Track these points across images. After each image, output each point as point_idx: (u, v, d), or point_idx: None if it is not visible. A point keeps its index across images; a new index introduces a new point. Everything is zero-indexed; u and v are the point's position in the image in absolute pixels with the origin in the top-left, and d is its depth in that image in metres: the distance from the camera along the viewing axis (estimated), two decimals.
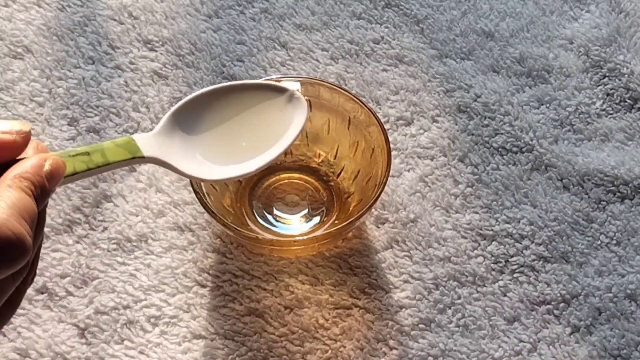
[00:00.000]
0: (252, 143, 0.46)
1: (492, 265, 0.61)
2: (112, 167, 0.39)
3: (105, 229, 0.61)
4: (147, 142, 0.41)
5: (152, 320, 0.58)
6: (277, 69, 0.70)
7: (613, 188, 0.64)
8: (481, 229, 0.62)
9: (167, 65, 0.69)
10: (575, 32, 0.73)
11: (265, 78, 0.62)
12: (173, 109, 0.44)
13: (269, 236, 0.60)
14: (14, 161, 0.36)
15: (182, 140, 0.43)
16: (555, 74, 0.70)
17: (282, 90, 0.47)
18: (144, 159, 0.41)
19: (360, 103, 0.59)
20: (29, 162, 0.35)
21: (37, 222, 0.35)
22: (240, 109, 0.46)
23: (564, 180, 0.65)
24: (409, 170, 0.65)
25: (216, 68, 0.69)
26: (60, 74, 0.68)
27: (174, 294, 0.59)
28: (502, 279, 0.60)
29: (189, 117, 0.44)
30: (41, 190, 0.35)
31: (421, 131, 0.67)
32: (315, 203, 0.62)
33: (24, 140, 0.35)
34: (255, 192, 0.63)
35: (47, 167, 0.35)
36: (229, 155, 0.45)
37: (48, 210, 0.61)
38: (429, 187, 0.64)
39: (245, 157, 0.46)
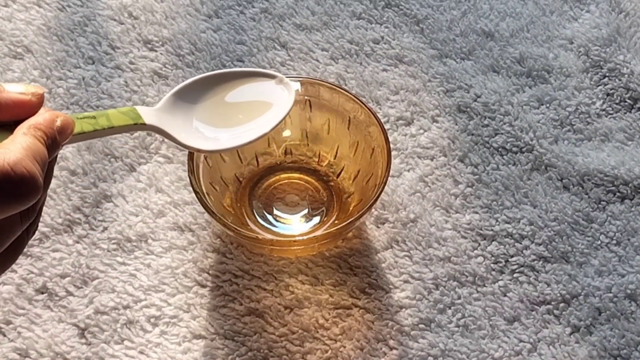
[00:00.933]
0: (247, 117, 0.50)
1: (492, 265, 0.61)
2: (116, 130, 0.42)
3: (105, 229, 0.61)
4: (148, 113, 0.44)
5: (152, 320, 0.58)
6: (277, 69, 0.69)
7: (613, 188, 0.64)
8: (481, 229, 0.62)
9: (167, 65, 0.69)
10: (575, 32, 0.73)
11: None
12: (175, 89, 0.48)
13: (269, 236, 0.60)
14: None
15: (182, 115, 0.47)
16: (555, 74, 0.70)
17: (272, 76, 0.52)
18: (145, 126, 0.44)
19: (360, 103, 0.59)
20: (41, 117, 0.38)
21: (46, 171, 0.37)
22: (237, 89, 0.51)
23: (564, 180, 0.65)
24: (409, 170, 0.65)
25: (216, 68, 0.69)
26: (60, 74, 0.68)
27: (174, 294, 0.59)
28: (502, 279, 0.60)
29: (190, 96, 0.48)
30: (52, 141, 0.37)
31: (421, 131, 0.67)
32: (315, 203, 0.62)
33: (39, 100, 0.38)
34: (255, 192, 0.63)
35: (58, 122, 0.38)
36: (226, 128, 0.49)
37: (48, 210, 0.61)
38: (429, 187, 0.64)
39: (242, 130, 0.50)
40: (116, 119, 0.42)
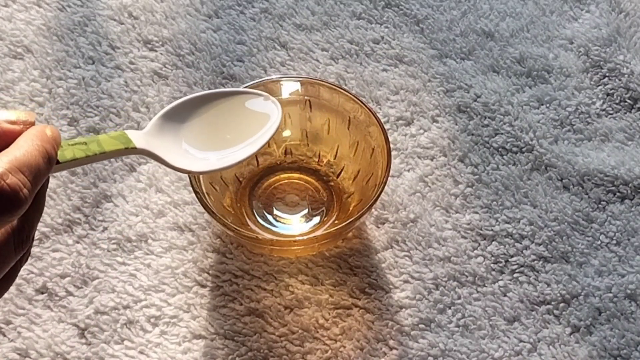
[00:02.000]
0: (236, 136, 0.50)
1: (492, 265, 0.61)
2: (108, 156, 0.42)
3: (105, 229, 0.61)
4: (137, 137, 0.44)
5: (152, 320, 0.58)
6: (277, 69, 0.70)
7: (613, 188, 0.64)
8: (481, 229, 0.62)
9: (167, 65, 0.69)
10: (575, 32, 0.73)
11: (265, 79, 0.62)
12: (162, 111, 0.48)
13: (269, 236, 0.60)
14: None
15: (171, 137, 0.47)
16: (555, 74, 0.70)
17: (259, 95, 0.53)
18: (135, 150, 0.44)
19: (360, 103, 0.59)
20: (34, 129, 0.37)
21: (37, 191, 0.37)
22: (223, 110, 0.51)
23: (564, 180, 0.65)
24: (409, 170, 0.65)
25: (216, 68, 0.69)
26: (60, 74, 0.68)
27: (174, 294, 0.59)
28: (502, 279, 0.60)
29: (177, 117, 0.48)
30: (50, 147, 0.37)
31: (421, 131, 0.67)
32: (315, 203, 0.62)
33: (28, 129, 0.38)
34: (255, 192, 0.63)
35: (48, 132, 0.38)
36: (215, 149, 0.49)
37: (48, 210, 0.61)
38: (429, 187, 0.64)
39: (231, 149, 0.50)
40: (107, 144, 0.42)
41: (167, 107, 0.48)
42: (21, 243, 0.37)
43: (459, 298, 0.59)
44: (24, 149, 0.36)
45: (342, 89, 0.60)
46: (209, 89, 0.68)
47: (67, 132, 0.65)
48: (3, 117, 0.37)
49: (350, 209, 0.60)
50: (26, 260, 0.39)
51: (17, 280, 0.58)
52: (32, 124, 0.38)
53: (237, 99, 0.52)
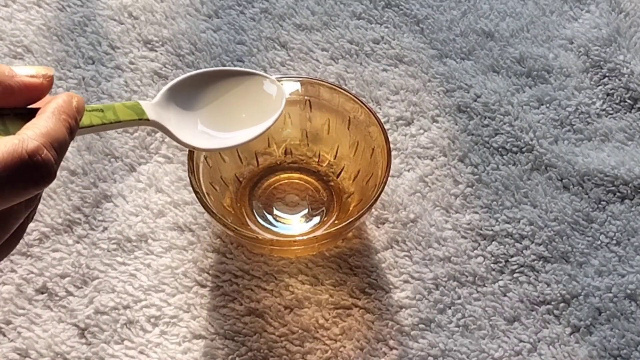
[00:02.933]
0: (243, 115, 0.51)
1: (492, 265, 0.61)
2: (122, 125, 0.43)
3: (105, 229, 0.61)
4: (149, 108, 0.45)
5: (152, 320, 0.58)
6: (277, 69, 0.70)
7: (613, 188, 0.64)
8: (481, 229, 0.62)
9: (167, 65, 0.69)
10: (575, 32, 0.73)
11: None
12: (170, 84, 0.48)
13: (269, 236, 0.60)
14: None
15: (178, 111, 0.47)
16: (555, 74, 0.70)
17: (264, 77, 0.53)
18: (148, 122, 0.44)
19: (360, 103, 0.59)
20: (60, 98, 0.38)
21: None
22: (231, 88, 0.51)
23: (564, 180, 0.65)
24: (409, 170, 0.65)
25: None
26: (60, 74, 0.68)
27: (174, 294, 0.59)
28: (502, 279, 0.60)
29: (185, 92, 0.48)
30: (74, 122, 0.38)
31: (421, 131, 0.67)
32: (315, 203, 0.62)
33: (49, 83, 0.39)
34: (255, 192, 0.63)
35: (74, 103, 0.39)
36: (223, 126, 0.50)
37: (48, 210, 0.61)
38: (429, 187, 0.64)
39: (239, 128, 0.50)
40: (122, 113, 0.42)
41: (175, 80, 0.48)
42: (32, 198, 0.37)
43: (459, 298, 0.59)
44: (52, 122, 0.36)
45: (342, 89, 0.60)
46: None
47: None
48: (23, 72, 0.38)
49: (350, 209, 0.60)
50: (32, 217, 0.40)
51: (17, 280, 0.58)
52: (52, 77, 0.39)
53: (243, 79, 0.52)
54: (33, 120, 0.37)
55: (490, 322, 0.59)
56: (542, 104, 0.69)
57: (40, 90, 0.38)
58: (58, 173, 0.62)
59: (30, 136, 0.35)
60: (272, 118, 0.51)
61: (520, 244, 0.62)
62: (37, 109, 0.38)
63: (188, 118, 0.48)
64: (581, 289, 0.60)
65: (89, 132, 0.41)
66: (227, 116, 0.50)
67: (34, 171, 0.34)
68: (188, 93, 0.49)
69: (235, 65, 0.69)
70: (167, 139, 0.65)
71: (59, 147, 0.36)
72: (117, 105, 0.42)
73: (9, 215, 0.36)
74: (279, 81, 0.60)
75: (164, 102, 0.46)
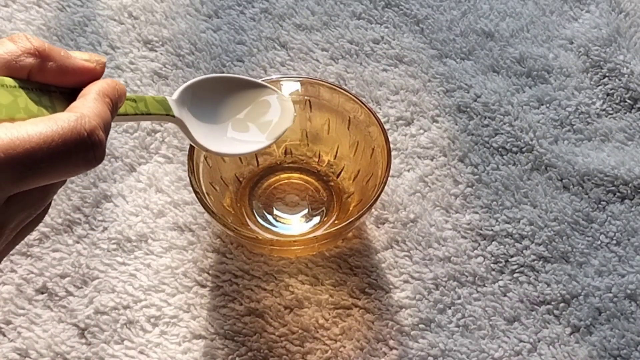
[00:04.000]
0: (255, 124, 0.52)
1: (492, 265, 0.61)
2: (150, 118, 0.44)
3: (105, 229, 0.61)
4: (174, 105, 0.46)
5: (152, 320, 0.58)
6: (277, 69, 0.70)
7: (613, 188, 0.64)
8: (481, 229, 0.62)
9: (167, 65, 0.69)
10: (575, 32, 0.73)
11: (265, 79, 0.62)
12: (188, 83, 0.48)
13: (269, 236, 0.60)
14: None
15: (193, 112, 0.48)
16: (555, 74, 0.70)
17: (274, 91, 0.55)
18: (173, 118, 0.45)
19: (360, 103, 0.59)
20: (105, 82, 0.38)
21: None
22: (244, 96, 0.52)
23: (564, 180, 0.65)
24: (409, 170, 0.65)
25: (216, 68, 0.69)
26: None
27: (174, 294, 0.59)
28: (502, 279, 0.60)
29: (201, 94, 0.49)
30: (115, 108, 0.38)
31: (421, 131, 0.67)
32: (315, 203, 0.62)
33: (102, 69, 0.39)
34: (255, 192, 0.63)
35: (117, 88, 0.39)
36: (235, 132, 0.51)
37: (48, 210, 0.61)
38: (429, 187, 0.64)
39: (250, 137, 0.52)
40: (152, 107, 0.43)
41: (193, 80, 0.49)
42: (55, 187, 0.38)
43: (459, 298, 0.59)
44: (100, 104, 0.37)
45: (342, 89, 0.60)
46: None
47: None
48: (78, 56, 0.38)
49: (350, 209, 0.60)
50: (49, 207, 0.40)
51: (17, 280, 0.59)
52: (104, 64, 0.39)
53: (255, 89, 0.53)
54: (80, 100, 0.37)
55: (490, 322, 0.59)
56: (542, 104, 0.69)
57: (93, 74, 0.39)
58: None
59: (88, 115, 0.35)
60: (280, 130, 0.53)
61: (520, 244, 0.62)
62: (79, 90, 0.38)
63: (201, 120, 0.49)
64: (581, 289, 0.60)
65: (121, 120, 0.41)
66: (238, 123, 0.51)
67: (89, 150, 0.35)
68: (205, 95, 0.49)
69: (235, 66, 0.69)
70: (167, 139, 0.65)
71: (106, 130, 0.36)
72: (148, 98, 0.43)
73: (49, 190, 0.37)
74: (279, 81, 0.60)
75: (180, 101, 0.47)
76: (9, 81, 0.35)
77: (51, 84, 0.37)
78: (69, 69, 0.38)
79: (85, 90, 0.38)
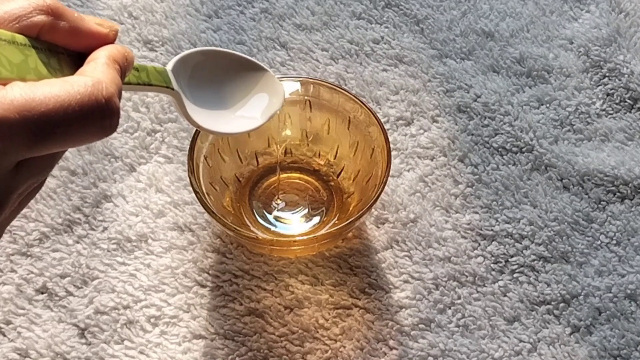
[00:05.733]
0: (248, 103, 0.51)
1: (492, 265, 0.61)
2: (150, 89, 0.42)
3: (105, 229, 0.61)
4: (173, 78, 0.44)
5: (152, 320, 0.58)
6: (277, 69, 0.69)
7: (613, 188, 0.64)
8: (481, 229, 0.62)
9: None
10: (575, 32, 0.73)
11: None
12: (181, 55, 0.46)
13: (269, 236, 0.60)
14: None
15: (185, 87, 0.46)
16: (555, 74, 0.70)
17: (266, 71, 0.52)
18: (172, 91, 0.43)
19: (360, 103, 0.59)
20: (115, 48, 0.37)
21: None
22: (237, 74, 0.50)
23: (564, 180, 0.65)
24: (409, 170, 0.65)
25: None
26: None
27: (174, 294, 0.59)
28: (502, 279, 0.60)
29: (191, 69, 0.47)
30: (124, 75, 0.37)
31: (421, 131, 0.67)
32: (315, 203, 0.62)
33: (114, 36, 0.38)
34: (255, 192, 0.63)
35: (127, 55, 0.38)
36: (226, 111, 0.49)
37: (48, 210, 0.61)
38: (429, 187, 0.64)
39: (244, 115, 0.50)
40: (153, 77, 0.42)
41: (186, 52, 0.47)
42: (57, 157, 0.37)
43: (459, 298, 0.59)
44: (112, 70, 0.35)
45: (342, 89, 0.60)
46: None
47: None
48: (91, 19, 0.37)
49: (350, 209, 0.60)
50: (42, 185, 0.39)
51: (17, 280, 0.59)
52: (117, 31, 0.38)
53: (247, 67, 0.51)
54: (90, 64, 0.35)
55: (490, 322, 0.59)
56: (542, 104, 0.69)
57: (105, 40, 0.37)
58: (58, 173, 0.63)
59: (105, 81, 0.34)
60: (272, 110, 0.51)
61: (520, 244, 0.62)
62: (86, 56, 0.36)
63: (194, 95, 0.47)
64: (581, 289, 0.60)
65: (124, 89, 0.40)
66: (232, 102, 0.50)
67: (106, 118, 0.33)
68: (198, 73, 0.47)
69: None
70: (167, 139, 0.65)
71: (120, 98, 0.35)
72: (150, 68, 0.42)
73: (58, 156, 0.35)
74: (280, 81, 0.60)
75: (175, 74, 0.45)
76: (20, 38, 0.33)
77: (60, 45, 0.36)
78: (81, 31, 0.36)
79: (94, 55, 0.36)
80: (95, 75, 0.34)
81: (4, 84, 0.32)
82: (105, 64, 0.35)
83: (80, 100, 0.32)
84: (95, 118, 0.33)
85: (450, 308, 0.59)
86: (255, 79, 0.52)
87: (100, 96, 0.33)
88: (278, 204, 0.62)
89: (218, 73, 0.49)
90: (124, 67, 0.37)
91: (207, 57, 0.48)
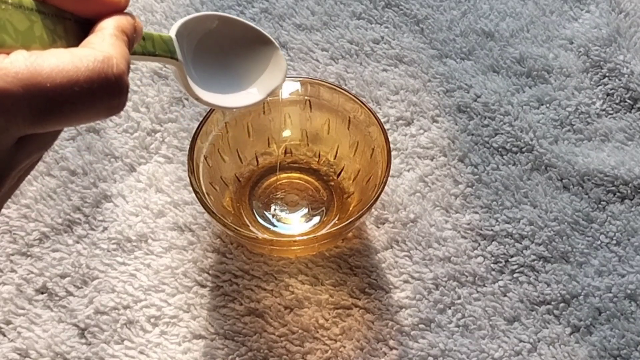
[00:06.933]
0: (251, 76, 0.48)
1: (492, 265, 0.61)
2: (155, 59, 0.40)
3: (105, 229, 0.61)
4: (177, 48, 0.42)
5: (152, 320, 0.58)
6: None
7: (613, 188, 0.64)
8: (481, 229, 0.62)
9: (167, 65, 0.69)
10: (575, 32, 0.73)
11: None
12: (184, 19, 0.44)
13: (269, 236, 0.60)
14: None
15: (187, 57, 0.44)
16: (555, 74, 0.70)
17: (271, 42, 0.50)
18: (176, 62, 0.41)
19: (360, 103, 0.59)
20: (125, 18, 0.35)
21: None
22: (240, 45, 0.48)
23: (564, 180, 0.65)
24: (409, 170, 0.65)
25: None
26: None
27: (174, 294, 0.59)
28: (502, 279, 0.60)
29: (194, 35, 0.45)
30: (131, 47, 0.35)
31: (421, 131, 0.67)
32: (315, 203, 0.62)
33: (126, 4, 0.35)
34: (255, 192, 0.63)
35: (136, 25, 0.36)
36: (226, 87, 0.47)
37: (48, 210, 0.61)
38: (429, 187, 0.64)
39: (242, 91, 0.48)
40: (158, 46, 0.40)
41: (188, 17, 0.44)
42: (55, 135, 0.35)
43: (459, 298, 0.59)
44: (121, 43, 0.33)
45: (342, 89, 0.60)
46: None
47: (67, 132, 0.65)
48: None
49: (350, 209, 0.60)
50: (40, 160, 0.37)
51: (17, 280, 0.59)
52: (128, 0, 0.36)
53: (251, 39, 0.48)
54: (98, 34, 0.33)
55: (490, 322, 0.59)
56: (542, 104, 0.69)
57: (115, 7, 0.35)
58: (58, 173, 0.63)
59: (116, 56, 0.32)
60: (273, 88, 0.49)
61: (520, 244, 0.62)
62: (92, 23, 0.34)
63: (196, 64, 0.45)
64: (581, 289, 0.60)
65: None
66: (231, 75, 0.47)
67: (114, 97, 0.31)
68: (202, 37, 0.45)
69: None
70: (167, 139, 0.65)
71: (129, 72, 0.33)
72: (156, 37, 0.40)
73: (59, 133, 0.34)
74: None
75: (179, 41, 0.42)
76: (28, 2, 0.31)
77: (67, 11, 0.33)
78: None
79: (102, 24, 0.34)
80: (104, 48, 0.32)
81: (7, 53, 0.30)
82: (114, 36, 0.33)
83: (89, 77, 0.30)
84: (103, 96, 0.31)
85: (450, 308, 0.59)
86: (261, 52, 0.49)
87: (111, 73, 0.31)
88: (276, 209, 0.62)
89: (223, 42, 0.47)
90: (132, 39, 0.35)
91: (214, 24, 0.46)
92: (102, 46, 0.32)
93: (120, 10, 0.35)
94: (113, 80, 0.31)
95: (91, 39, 0.33)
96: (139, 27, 0.36)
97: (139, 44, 0.37)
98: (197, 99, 0.44)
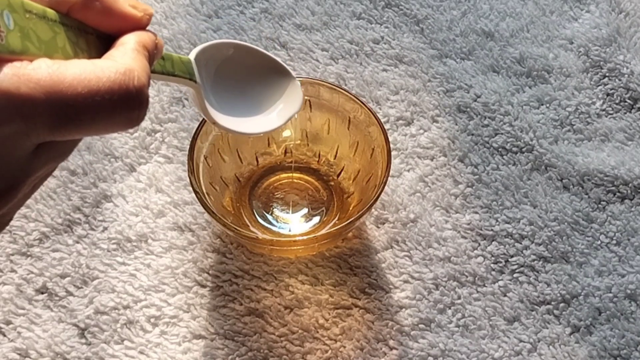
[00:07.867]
0: (266, 104, 0.49)
1: (492, 265, 0.61)
2: (174, 79, 0.41)
3: (105, 229, 0.61)
4: (196, 71, 0.43)
5: (152, 320, 0.58)
6: None
7: (613, 188, 0.64)
8: (481, 229, 0.62)
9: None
10: (575, 32, 0.73)
11: None
12: (201, 47, 0.44)
13: (268, 236, 0.60)
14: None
15: (205, 84, 0.44)
16: (555, 74, 0.70)
17: (288, 73, 0.51)
18: (194, 84, 0.42)
19: (360, 103, 0.59)
20: (146, 34, 0.35)
21: None
22: (257, 73, 0.49)
23: (564, 180, 0.65)
24: (409, 170, 0.65)
25: None
26: None
27: (174, 294, 0.59)
28: (502, 279, 0.60)
29: (211, 62, 0.45)
30: (151, 63, 0.36)
31: (421, 131, 0.67)
32: (315, 203, 0.62)
33: (147, 21, 0.36)
34: (255, 192, 0.63)
35: (157, 42, 0.36)
36: (242, 110, 0.47)
37: (48, 210, 0.61)
38: (429, 187, 0.64)
39: (256, 118, 0.48)
40: (178, 67, 0.40)
41: (207, 44, 0.45)
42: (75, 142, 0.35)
43: (459, 298, 0.59)
44: (143, 58, 0.34)
45: (342, 89, 0.60)
46: None
47: None
48: (125, 1, 0.35)
49: (350, 209, 0.60)
50: (54, 170, 0.37)
51: (17, 280, 0.59)
52: (151, 15, 0.36)
53: (268, 68, 0.49)
54: (119, 48, 0.34)
55: (490, 322, 0.59)
56: (542, 104, 0.69)
57: (137, 24, 0.35)
58: (58, 173, 0.63)
59: (137, 69, 0.32)
60: (288, 116, 0.49)
61: (520, 244, 0.62)
62: (114, 39, 0.35)
63: (214, 89, 0.45)
64: (581, 289, 0.60)
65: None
66: (248, 101, 0.48)
67: (134, 109, 0.32)
68: (220, 69, 0.46)
69: None
70: (167, 139, 0.65)
71: (149, 87, 0.33)
72: (175, 58, 0.40)
73: (78, 142, 0.34)
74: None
75: (197, 64, 0.43)
76: (52, 14, 0.32)
77: (90, 26, 0.34)
78: (114, 12, 0.34)
79: (124, 39, 0.34)
80: (125, 61, 0.32)
81: (30, 61, 0.30)
82: (136, 50, 0.34)
83: (110, 88, 0.31)
84: (123, 108, 0.31)
85: (450, 308, 0.59)
86: (278, 80, 0.50)
87: (132, 86, 0.31)
88: (276, 209, 0.62)
89: (241, 70, 0.47)
90: (153, 55, 0.35)
91: (230, 51, 0.46)
92: (124, 59, 0.33)
93: (141, 27, 0.36)
94: (134, 92, 0.31)
95: (113, 52, 0.33)
96: (160, 44, 0.36)
97: (158, 62, 0.38)
98: (214, 123, 0.44)
